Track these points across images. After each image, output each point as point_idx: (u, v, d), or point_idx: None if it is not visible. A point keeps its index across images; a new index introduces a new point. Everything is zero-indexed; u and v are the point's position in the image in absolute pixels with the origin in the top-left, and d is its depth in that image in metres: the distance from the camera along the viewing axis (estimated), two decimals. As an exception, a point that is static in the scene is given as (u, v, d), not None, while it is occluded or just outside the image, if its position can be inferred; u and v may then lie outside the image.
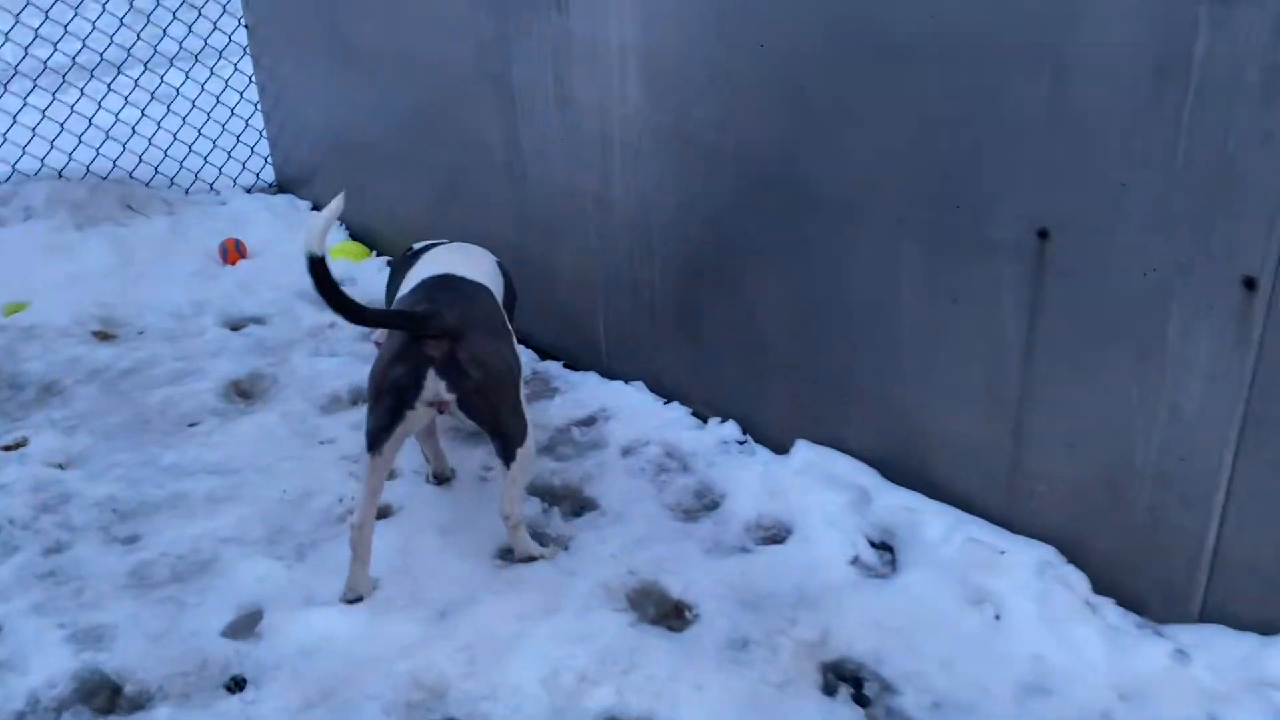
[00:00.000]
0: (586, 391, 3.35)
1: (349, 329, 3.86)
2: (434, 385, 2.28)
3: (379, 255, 4.43)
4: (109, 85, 5.09)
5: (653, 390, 3.26)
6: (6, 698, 2.22)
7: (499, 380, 2.35)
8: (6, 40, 4.90)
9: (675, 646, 2.27)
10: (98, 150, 4.80)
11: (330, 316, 3.91)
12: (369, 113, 4.18)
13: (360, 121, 4.28)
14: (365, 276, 4.28)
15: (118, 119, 4.90)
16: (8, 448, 3.19)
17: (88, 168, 4.75)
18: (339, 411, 3.35)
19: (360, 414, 3.27)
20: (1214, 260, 1.88)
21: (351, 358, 3.66)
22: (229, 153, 5.15)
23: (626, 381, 3.33)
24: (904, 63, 2.24)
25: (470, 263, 2.67)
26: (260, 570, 2.58)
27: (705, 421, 3.08)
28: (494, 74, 3.41)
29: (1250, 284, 1.84)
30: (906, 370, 2.49)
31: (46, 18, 5.06)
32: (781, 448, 2.85)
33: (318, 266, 2.17)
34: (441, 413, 2.36)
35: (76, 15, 5.18)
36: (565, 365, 3.54)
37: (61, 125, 4.75)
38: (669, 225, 2.99)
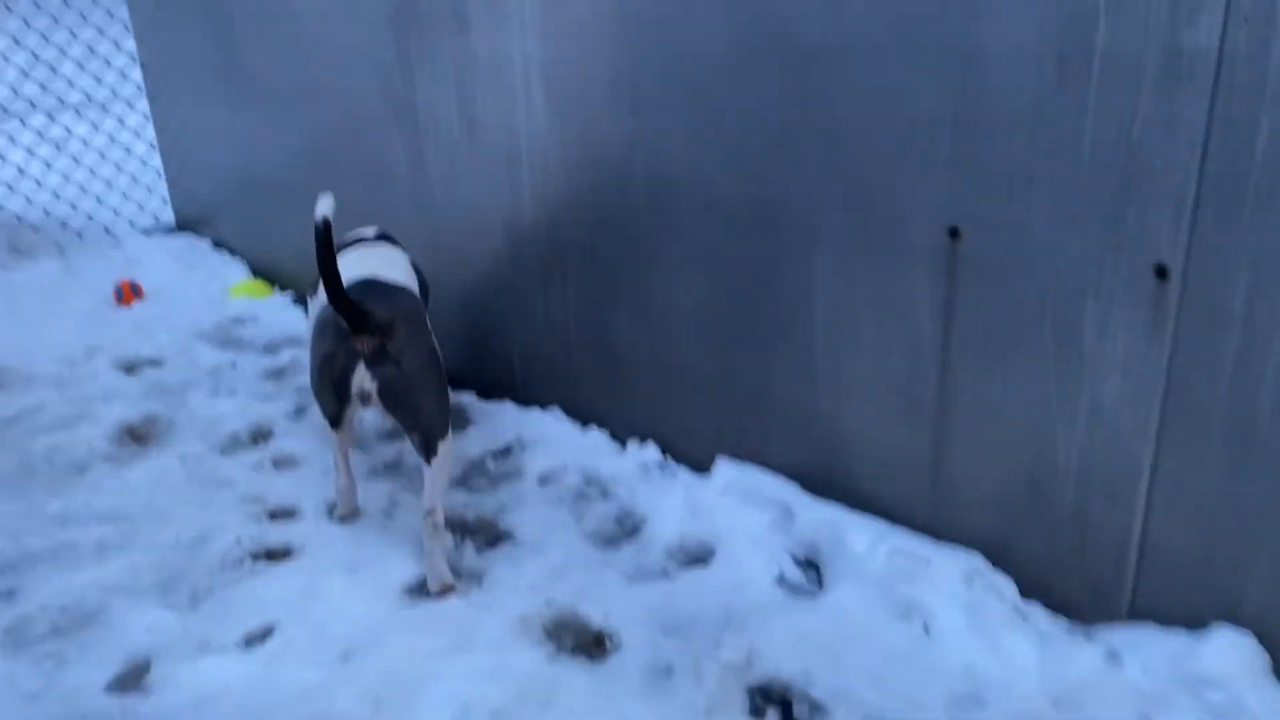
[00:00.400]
0: (501, 421, 3.24)
1: (251, 366, 3.71)
2: (361, 378, 2.38)
3: (282, 291, 4.27)
4: (5, 132, 4.87)
5: (570, 416, 3.17)
6: None
7: (423, 371, 2.42)
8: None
9: (595, 678, 2.15)
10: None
11: (231, 355, 3.79)
12: (270, 146, 4.05)
13: (262, 156, 4.14)
14: (268, 313, 4.13)
15: (3, 160, 4.67)
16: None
17: (-28, 211, 4.51)
18: (239, 452, 3.18)
19: (260, 452, 3.13)
20: (1124, 250, 1.86)
21: (252, 397, 3.50)
22: (125, 194, 4.95)
23: (543, 408, 3.23)
24: (810, 66, 2.20)
25: (389, 265, 2.73)
26: (149, 619, 2.41)
27: (625, 445, 2.98)
28: (398, 99, 3.32)
29: (1162, 272, 1.82)
30: (824, 380, 2.43)
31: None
32: (703, 467, 2.77)
33: (324, 231, 2.29)
34: (365, 406, 2.43)
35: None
36: (479, 395, 3.43)
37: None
38: (580, 246, 2.91)
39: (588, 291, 2.95)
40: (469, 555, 2.60)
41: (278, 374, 3.68)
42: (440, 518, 2.46)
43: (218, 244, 4.66)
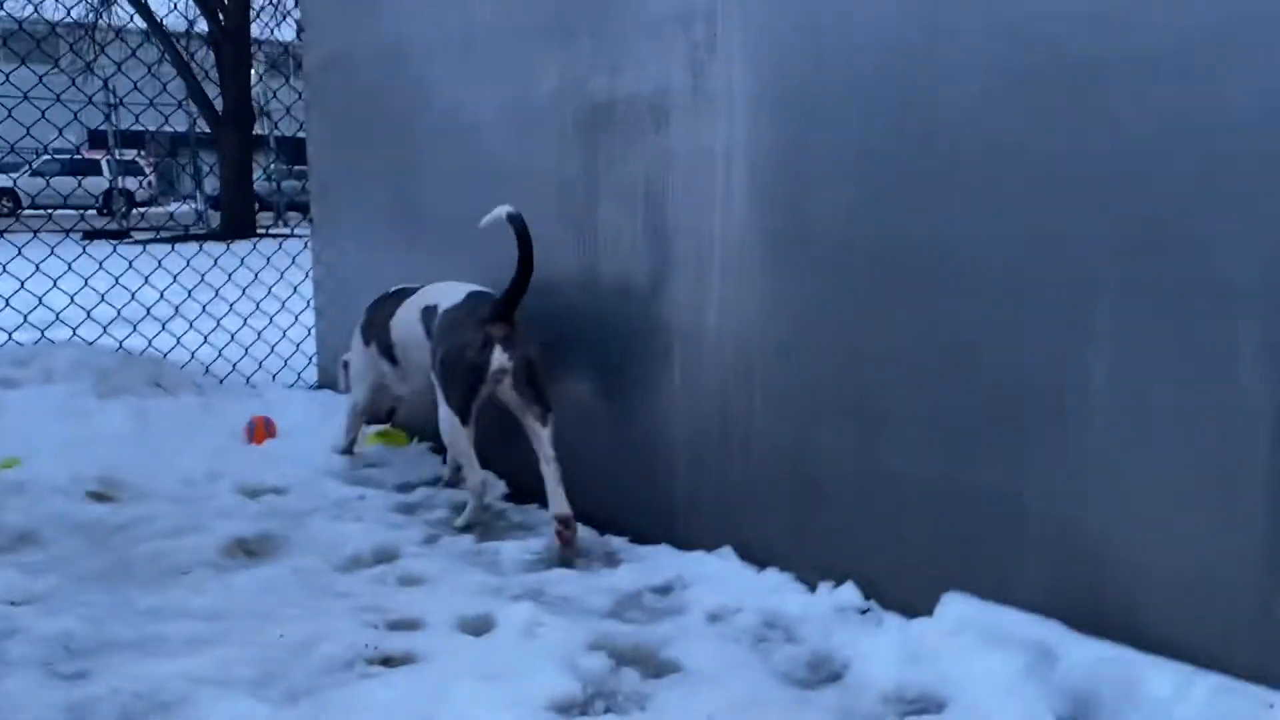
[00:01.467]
0: (658, 561, 2.78)
1: (380, 500, 3.36)
2: (500, 358, 2.89)
3: (420, 442, 4.00)
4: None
5: (743, 557, 2.69)
6: None
7: (541, 353, 2.98)
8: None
9: (810, 823, 1.58)
10: (134, 326, 4.53)
11: (359, 490, 3.47)
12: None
13: (419, 298, 4.00)
14: (403, 459, 3.84)
15: (163, 296, 4.68)
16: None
17: (120, 342, 4.46)
18: (360, 570, 2.78)
19: (384, 570, 2.74)
20: None
21: (379, 524, 3.13)
22: (272, 347, 4.87)
23: (709, 550, 2.76)
24: (1086, 83, 1.90)
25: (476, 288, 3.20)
26: (239, 710, 1.95)
27: (814, 587, 2.48)
28: (575, 219, 3.14)
29: None
30: (1096, 481, 1.94)
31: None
32: (917, 610, 2.24)
33: (518, 220, 2.89)
34: (497, 385, 2.92)
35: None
36: (631, 539, 2.98)
37: (102, 297, 4.53)
38: (776, 350, 2.56)
39: (781, 404, 2.57)
40: (628, 678, 2.09)
41: (409, 508, 3.32)
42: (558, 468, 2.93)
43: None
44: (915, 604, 2.26)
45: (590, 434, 3.15)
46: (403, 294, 3.43)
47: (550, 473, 2.93)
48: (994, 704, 1.91)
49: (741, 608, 2.44)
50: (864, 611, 2.36)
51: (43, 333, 4.46)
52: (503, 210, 2.90)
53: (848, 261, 2.38)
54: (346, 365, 3.78)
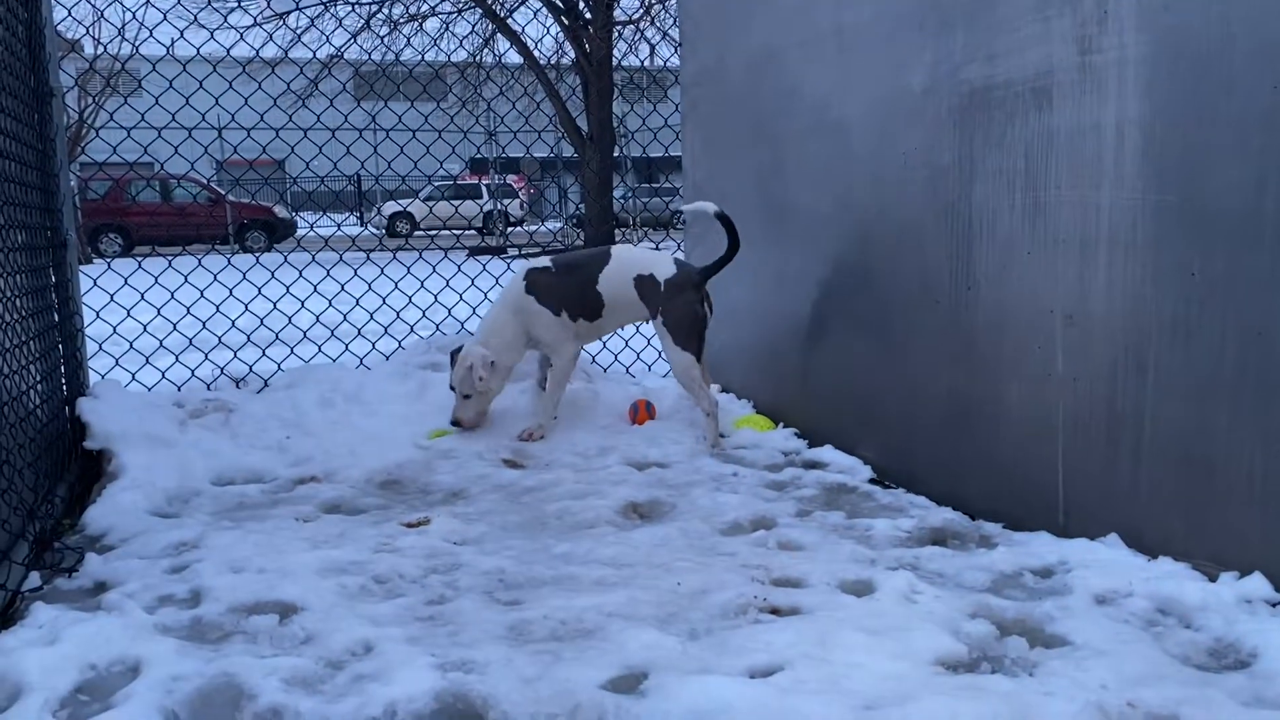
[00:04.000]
0: (1036, 547, 2.75)
1: (752, 477, 3.57)
2: (707, 312, 4.11)
3: (784, 427, 4.18)
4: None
5: (1130, 545, 2.60)
6: (363, 704, 1.96)
7: None
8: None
9: (1219, 791, 1.55)
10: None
11: (733, 467, 3.70)
12: (795, 281, 4.09)
13: (785, 293, 4.19)
14: (770, 442, 4.03)
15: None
16: (410, 524, 3.13)
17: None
18: (740, 534, 2.99)
19: (763, 535, 2.93)
20: None
21: (753, 497, 3.33)
22: (649, 340, 5.27)
23: (1091, 539, 2.69)
24: None
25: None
26: (648, 639, 2.20)
27: (1214, 578, 2.35)
28: (948, 203, 3.17)
29: None
30: None
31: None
32: (1343, 604, 2.08)
33: (724, 217, 4.01)
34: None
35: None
36: (1007, 527, 2.97)
37: (485, 295, 5.11)
38: (1171, 331, 2.47)
39: (1179, 389, 2.46)
40: (1015, 647, 2.12)
41: (779, 486, 3.50)
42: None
43: (725, 390, 4.73)
44: (1339, 598, 2.09)
45: (964, 422, 3.17)
46: (579, 267, 4.19)
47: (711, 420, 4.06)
48: None
49: (1131, 592, 2.37)
50: (1276, 605, 2.22)
51: (458, 325, 5.10)
52: (709, 207, 4.05)
53: (1255, 234, 2.25)
54: (494, 364, 4.13)
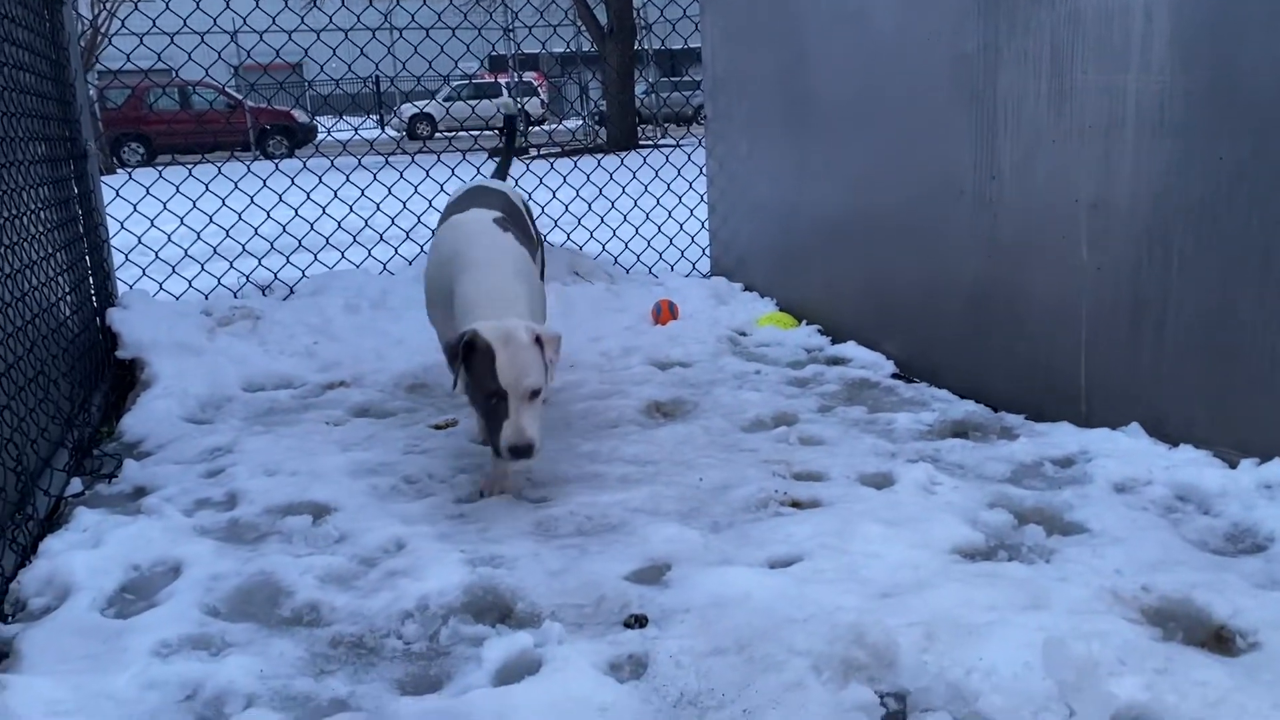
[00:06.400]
0: (1058, 437, 2.76)
1: (774, 375, 3.59)
2: None
3: (807, 324, 4.18)
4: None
5: (1152, 434, 2.61)
6: (396, 598, 2.03)
7: None
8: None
9: (1227, 669, 1.59)
10: (555, 222, 5.07)
11: (755, 365, 3.72)
12: (819, 174, 4.03)
13: (809, 186, 4.13)
14: (793, 339, 4.04)
15: (577, 194, 5.19)
16: (438, 426, 3.20)
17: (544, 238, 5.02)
18: (761, 431, 3.02)
19: (784, 431, 2.96)
20: None
21: (775, 394, 3.35)
22: (670, 240, 5.25)
23: (1113, 428, 2.70)
24: None
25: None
26: (671, 532, 2.26)
27: (1234, 465, 2.37)
28: (972, 91, 3.10)
29: None
30: None
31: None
32: (1362, 488, 2.08)
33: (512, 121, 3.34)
34: None
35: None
36: (1029, 418, 2.97)
37: (529, 195, 5.09)
38: (1197, 216, 2.42)
39: (1201, 277, 2.43)
40: (1032, 535, 2.15)
41: (801, 382, 3.52)
42: None
43: (748, 288, 4.72)
44: (1357, 482, 2.10)
45: (988, 314, 3.16)
46: (508, 208, 3.05)
47: None
48: None
49: (1151, 480, 2.39)
50: (1295, 489, 2.23)
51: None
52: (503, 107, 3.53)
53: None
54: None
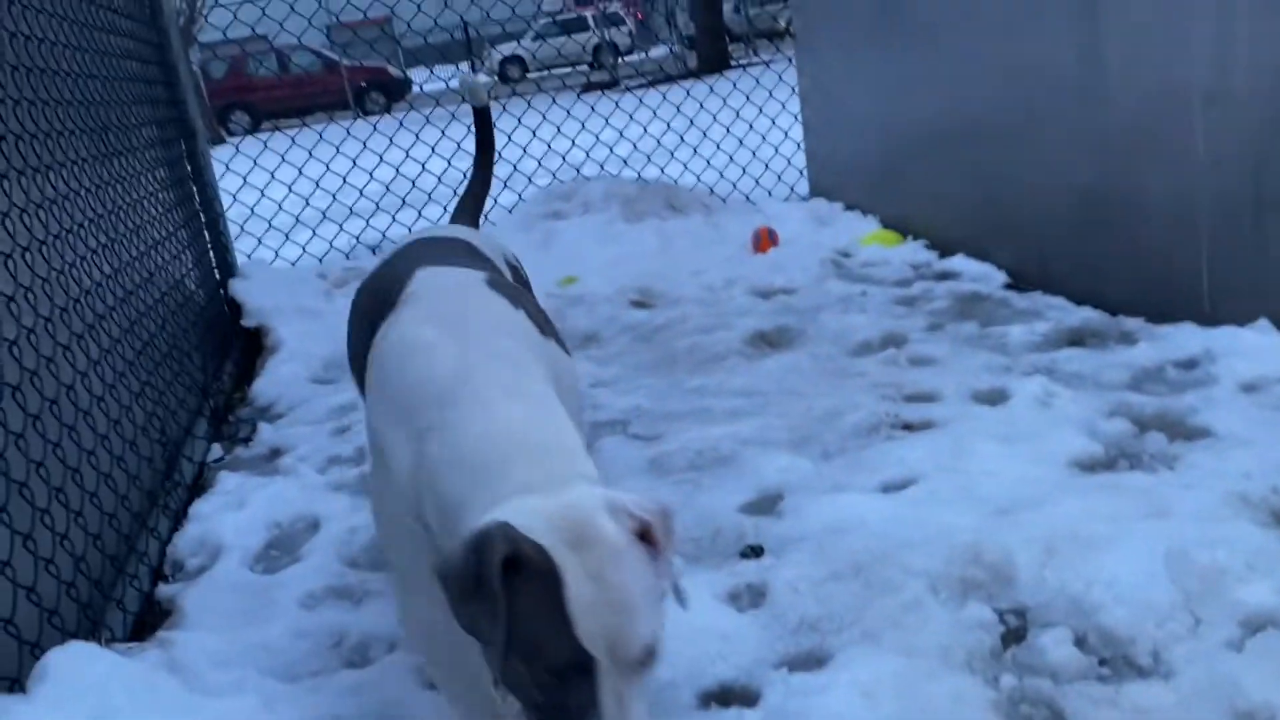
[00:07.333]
0: (1180, 339, 2.66)
1: (880, 295, 3.54)
2: None
3: (913, 240, 4.09)
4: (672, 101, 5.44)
5: (1282, 330, 2.50)
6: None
7: None
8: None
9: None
10: (649, 158, 5.06)
11: (861, 286, 3.67)
12: (919, 87, 3.91)
13: (908, 100, 4.02)
14: (899, 256, 3.97)
15: (669, 127, 5.16)
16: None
17: (639, 173, 5.02)
18: (870, 354, 2.99)
19: (894, 353, 2.93)
20: None
21: (883, 315, 3.31)
22: (766, 164, 5.19)
23: (1239, 326, 2.59)
24: None
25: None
26: (783, 463, 2.28)
27: (1374, 358, 2.26)
28: (1072, -16, 2.95)
29: None
30: None
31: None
32: None
33: (483, 115, 2.37)
34: None
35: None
36: (1148, 319, 2.87)
37: (620, 133, 5.09)
38: (1321, 95, 2.28)
39: (1327, 156, 2.30)
40: (1154, 443, 2.10)
41: (909, 301, 3.47)
42: None
43: (849, 207, 4.64)
44: None
45: (1102, 216, 3.04)
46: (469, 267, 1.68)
47: None
48: None
49: (1283, 378, 2.30)
50: None
51: (578, 170, 5.14)
52: (476, 90, 2.30)
53: None
54: None
